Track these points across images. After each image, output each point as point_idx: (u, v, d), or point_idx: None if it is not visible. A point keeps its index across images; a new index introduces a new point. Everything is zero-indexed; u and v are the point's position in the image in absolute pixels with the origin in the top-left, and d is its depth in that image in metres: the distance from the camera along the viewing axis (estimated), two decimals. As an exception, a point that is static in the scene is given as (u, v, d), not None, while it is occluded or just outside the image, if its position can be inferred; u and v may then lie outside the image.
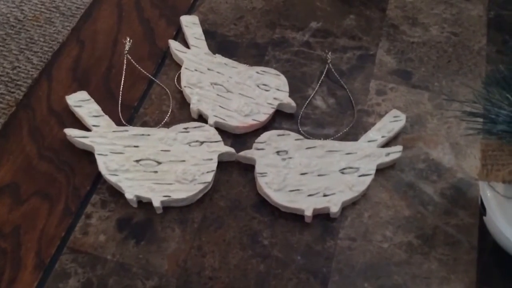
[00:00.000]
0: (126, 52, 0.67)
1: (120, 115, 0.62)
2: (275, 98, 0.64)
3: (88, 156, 0.59)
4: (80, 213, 0.56)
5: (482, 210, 0.53)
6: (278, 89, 0.65)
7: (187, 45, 0.69)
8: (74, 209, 0.56)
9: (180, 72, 0.66)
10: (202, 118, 0.63)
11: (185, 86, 0.64)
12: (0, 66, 0.74)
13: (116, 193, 0.57)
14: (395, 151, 0.60)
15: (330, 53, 0.69)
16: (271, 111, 0.63)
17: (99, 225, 0.55)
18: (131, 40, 0.67)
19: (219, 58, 0.67)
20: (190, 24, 0.71)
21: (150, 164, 0.57)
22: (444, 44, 0.73)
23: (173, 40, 0.69)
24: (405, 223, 0.57)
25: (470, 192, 0.59)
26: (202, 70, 0.66)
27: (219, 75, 0.65)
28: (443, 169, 0.61)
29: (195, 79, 0.65)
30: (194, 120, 0.63)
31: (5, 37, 0.78)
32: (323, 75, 0.68)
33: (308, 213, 0.56)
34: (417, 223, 0.57)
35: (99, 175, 0.58)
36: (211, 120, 0.62)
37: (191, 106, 0.63)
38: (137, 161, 0.57)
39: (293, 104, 0.64)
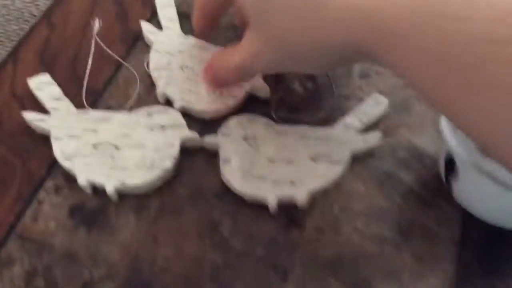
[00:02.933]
0: (95, 34, 0.64)
1: (83, 98, 0.59)
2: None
3: (46, 140, 0.56)
4: (32, 198, 0.53)
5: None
6: (251, 72, 0.61)
7: (161, 27, 0.66)
8: (26, 195, 0.53)
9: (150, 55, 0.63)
10: (169, 103, 0.60)
11: (153, 69, 0.61)
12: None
13: (71, 179, 0.54)
14: (373, 138, 0.56)
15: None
16: (243, 94, 0.59)
17: (50, 211, 0.52)
18: (101, 22, 0.64)
19: (191, 39, 0.64)
20: (165, 5, 0.67)
21: (108, 149, 0.54)
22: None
23: (144, 22, 0.66)
24: (379, 215, 0.52)
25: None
26: (172, 52, 0.62)
27: (190, 58, 0.62)
28: (427, 157, 0.56)
29: (164, 62, 0.61)
30: (160, 104, 0.59)
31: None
32: (303, 58, 0.64)
33: (273, 202, 0.51)
34: (393, 215, 0.52)
35: (55, 160, 0.55)
36: (177, 104, 0.58)
37: (157, 89, 0.59)
38: (94, 145, 0.54)
39: (266, 86, 0.60)
